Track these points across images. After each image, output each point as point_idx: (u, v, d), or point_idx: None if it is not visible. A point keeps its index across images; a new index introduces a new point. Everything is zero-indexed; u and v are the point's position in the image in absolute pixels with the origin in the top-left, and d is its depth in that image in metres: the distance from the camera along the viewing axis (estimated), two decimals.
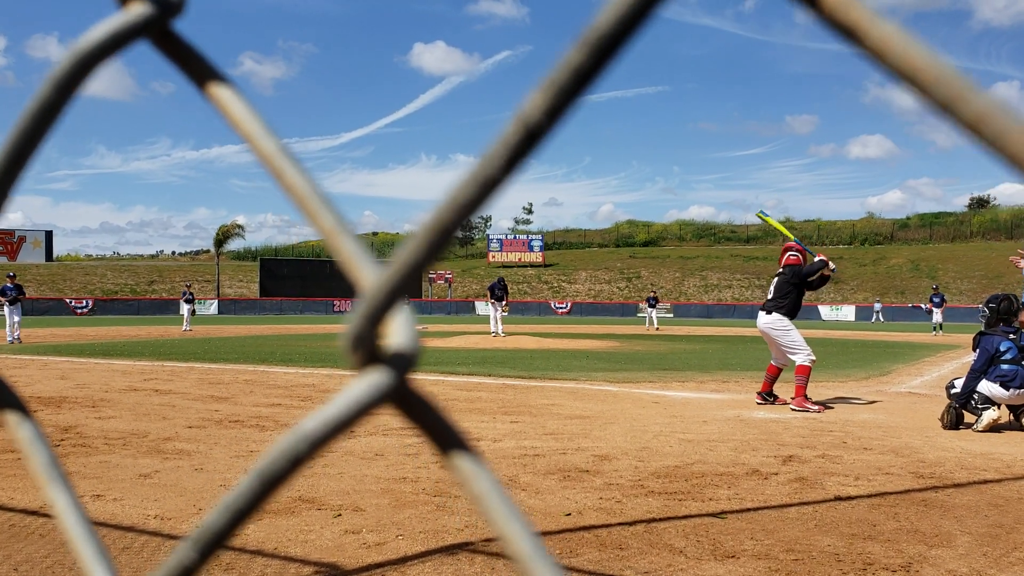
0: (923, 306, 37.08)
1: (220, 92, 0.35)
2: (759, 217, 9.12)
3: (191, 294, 27.54)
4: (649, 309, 31.42)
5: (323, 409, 0.29)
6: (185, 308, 26.55)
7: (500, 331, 20.80)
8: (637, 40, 0.25)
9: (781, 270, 8.00)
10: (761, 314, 7.89)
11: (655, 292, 34.05)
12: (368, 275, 0.30)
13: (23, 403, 0.39)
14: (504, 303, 21.52)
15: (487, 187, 0.25)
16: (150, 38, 0.35)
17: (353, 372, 0.30)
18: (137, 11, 0.34)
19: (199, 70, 0.35)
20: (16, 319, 18.09)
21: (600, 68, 0.23)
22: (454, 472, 0.30)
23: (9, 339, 17.61)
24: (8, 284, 18.68)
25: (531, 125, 0.24)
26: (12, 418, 0.38)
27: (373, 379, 0.29)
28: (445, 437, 0.30)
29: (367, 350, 0.29)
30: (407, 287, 0.29)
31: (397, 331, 0.30)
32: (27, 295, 19.35)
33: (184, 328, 25.51)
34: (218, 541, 0.29)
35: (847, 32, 0.24)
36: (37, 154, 0.35)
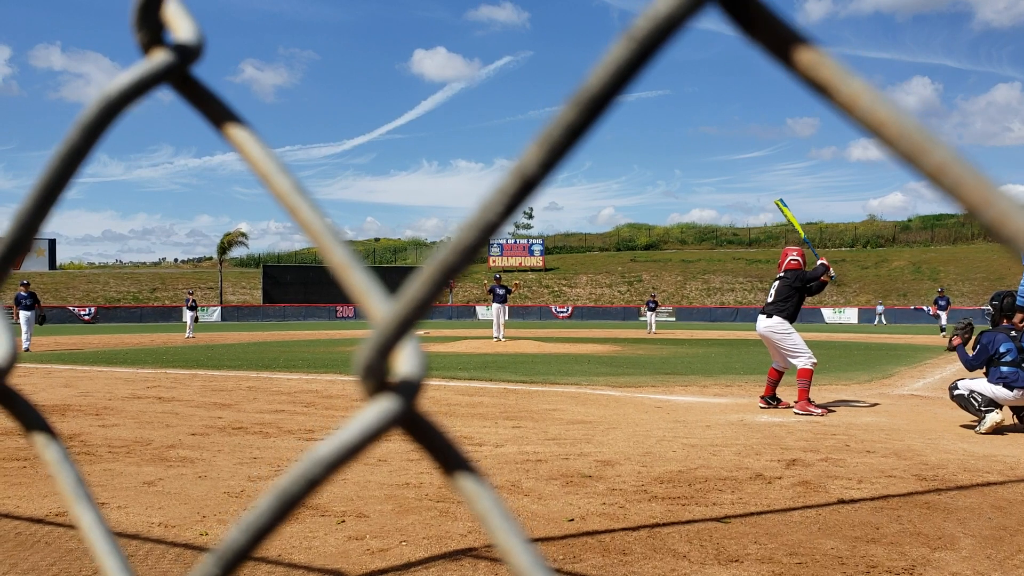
0: (926, 308, 37.06)
1: (237, 133, 0.37)
2: (777, 204, 8.88)
3: (194, 301, 27.59)
4: (648, 312, 31.43)
5: (337, 434, 0.31)
6: (188, 315, 26.60)
7: (502, 336, 20.82)
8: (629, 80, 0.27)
9: (782, 274, 8.00)
10: (761, 318, 7.89)
11: (655, 296, 34.03)
12: (379, 308, 0.32)
13: (50, 425, 0.41)
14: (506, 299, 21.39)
15: (487, 231, 0.27)
16: (171, 83, 0.37)
17: (364, 398, 0.32)
18: (159, 59, 0.36)
19: (217, 112, 0.37)
20: (27, 327, 18.10)
21: (590, 125, 0.25)
22: (458, 492, 0.32)
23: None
24: (22, 292, 18.65)
25: (527, 176, 0.26)
26: (40, 439, 0.41)
27: (383, 405, 0.31)
28: (450, 459, 0.32)
29: (377, 379, 0.31)
30: (415, 321, 0.31)
31: (405, 360, 0.32)
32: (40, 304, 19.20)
33: (187, 335, 25.57)
34: (240, 559, 0.31)
35: (819, 88, 0.26)
36: (65, 194, 0.37)
